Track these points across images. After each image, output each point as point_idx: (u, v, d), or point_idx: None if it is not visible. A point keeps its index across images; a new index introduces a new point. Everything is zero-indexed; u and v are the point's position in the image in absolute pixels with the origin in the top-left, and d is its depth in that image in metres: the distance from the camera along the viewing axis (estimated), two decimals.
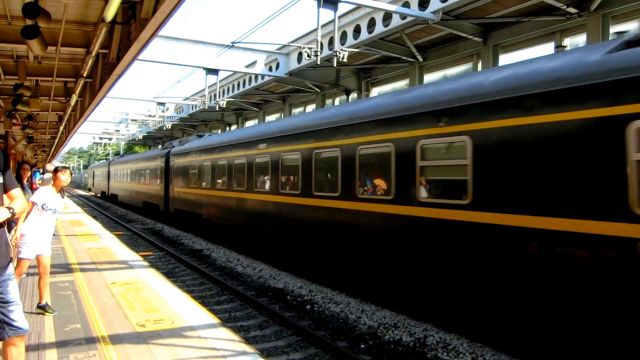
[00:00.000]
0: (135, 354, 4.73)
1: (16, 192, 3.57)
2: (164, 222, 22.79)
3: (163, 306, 6.49)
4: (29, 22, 6.23)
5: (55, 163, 14.25)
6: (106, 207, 35.36)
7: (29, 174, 9.28)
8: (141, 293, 7.19)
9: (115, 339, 5.13)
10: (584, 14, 11.15)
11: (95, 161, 72.21)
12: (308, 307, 8.77)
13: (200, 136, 20.74)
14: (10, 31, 7.59)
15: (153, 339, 5.16)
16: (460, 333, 6.96)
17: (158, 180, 23.22)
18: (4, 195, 3.51)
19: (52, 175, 6.36)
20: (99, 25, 6.98)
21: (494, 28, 13.38)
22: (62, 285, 7.59)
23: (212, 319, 6.04)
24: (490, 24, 13.19)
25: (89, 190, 59.82)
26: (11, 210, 3.42)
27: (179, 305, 6.55)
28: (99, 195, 48.06)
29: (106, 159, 59.29)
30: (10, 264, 3.51)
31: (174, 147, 22.15)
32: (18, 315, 3.42)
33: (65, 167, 6.28)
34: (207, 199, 16.70)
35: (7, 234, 3.56)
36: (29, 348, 4.74)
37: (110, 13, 6.13)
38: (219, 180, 15.57)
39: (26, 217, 5.84)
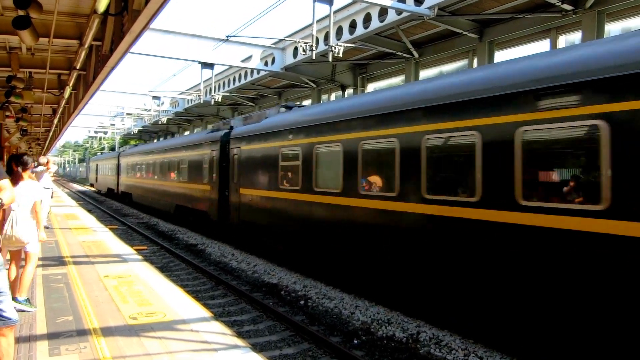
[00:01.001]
0: (127, 346, 4.72)
1: (4, 182, 3.57)
2: (222, 240, 15.74)
3: (156, 300, 6.48)
4: (20, 12, 6.17)
5: (42, 158, 14.07)
6: (101, 201, 35.23)
7: None
8: (134, 286, 7.17)
9: (107, 331, 5.12)
10: (579, 11, 11.18)
11: (91, 155, 71.29)
12: (302, 302, 8.78)
13: (289, 108, 13.03)
14: (2, 22, 7.52)
15: (145, 331, 5.15)
16: (452, 330, 6.99)
17: (206, 177, 16.50)
18: None
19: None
20: (91, 17, 6.92)
21: (489, 24, 13.38)
22: (55, 277, 7.56)
23: (205, 313, 6.03)
24: (486, 20, 13.19)
25: (91, 185, 52.11)
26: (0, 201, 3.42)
27: (172, 299, 6.54)
28: (103, 192, 40.70)
29: (102, 152, 58.72)
30: None
31: (232, 128, 15.36)
32: (7, 306, 3.41)
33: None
34: (329, 211, 9.49)
35: None
36: (20, 339, 4.73)
37: (103, 4, 6.06)
38: (379, 179, 8.40)
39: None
